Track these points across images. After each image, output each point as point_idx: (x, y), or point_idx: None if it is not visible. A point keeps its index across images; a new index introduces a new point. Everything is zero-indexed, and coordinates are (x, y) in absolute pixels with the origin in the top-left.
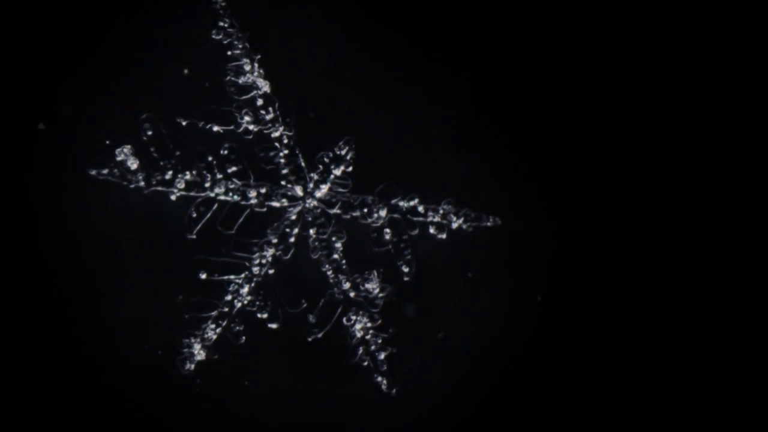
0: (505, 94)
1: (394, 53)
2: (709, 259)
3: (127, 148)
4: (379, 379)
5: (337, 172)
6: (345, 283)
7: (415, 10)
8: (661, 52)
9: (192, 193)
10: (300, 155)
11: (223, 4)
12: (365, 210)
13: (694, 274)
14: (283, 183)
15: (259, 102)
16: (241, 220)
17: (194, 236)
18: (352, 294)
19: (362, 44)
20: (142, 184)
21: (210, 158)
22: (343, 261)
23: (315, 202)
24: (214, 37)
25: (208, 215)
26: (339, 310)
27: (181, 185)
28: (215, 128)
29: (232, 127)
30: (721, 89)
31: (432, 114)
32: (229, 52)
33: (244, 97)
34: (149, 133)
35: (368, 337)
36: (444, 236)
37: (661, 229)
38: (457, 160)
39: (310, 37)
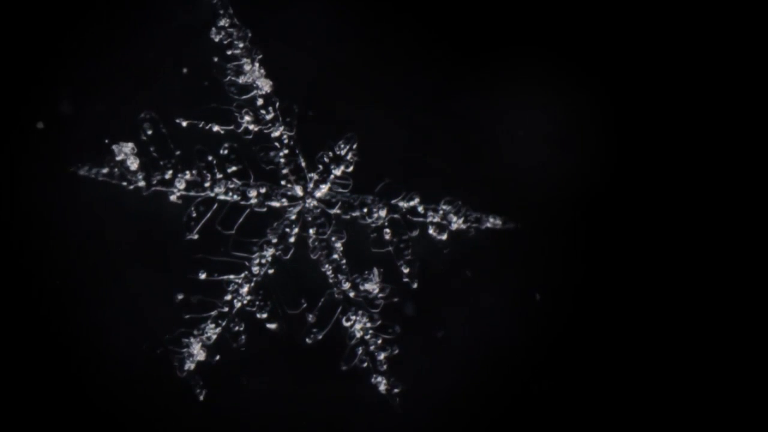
0: (506, 93)
1: (395, 52)
2: (709, 258)
3: (128, 147)
4: (379, 379)
5: (337, 172)
6: (345, 283)
7: (418, 8)
8: (662, 52)
9: (192, 193)
10: (300, 155)
11: None
12: (365, 210)
13: (693, 272)
14: (283, 183)
15: (259, 102)
16: (241, 220)
17: (195, 236)
18: (351, 294)
19: (363, 43)
20: (141, 184)
21: (210, 158)
22: (343, 261)
23: (315, 202)
24: (213, 37)
25: (208, 215)
26: (339, 310)
27: (181, 185)
28: (215, 128)
29: (232, 127)
30: (718, 89)
31: (433, 113)
32: (229, 52)
33: (244, 96)
34: (149, 132)
35: (368, 337)
36: (444, 237)
37: (661, 229)
38: (458, 160)
39: (309, 36)
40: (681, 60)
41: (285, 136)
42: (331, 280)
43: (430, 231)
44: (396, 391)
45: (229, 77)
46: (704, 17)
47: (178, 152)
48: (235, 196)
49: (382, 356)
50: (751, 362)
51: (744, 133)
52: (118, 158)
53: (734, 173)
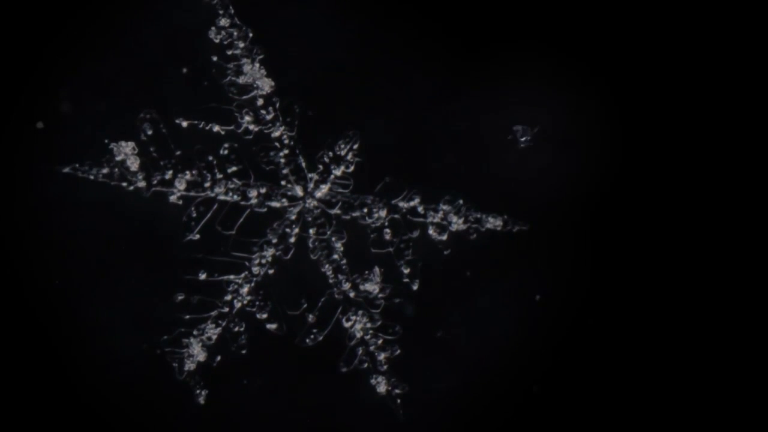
0: (507, 93)
1: (396, 51)
2: (713, 259)
3: (128, 147)
4: (379, 380)
5: (338, 172)
6: (345, 283)
7: (418, 8)
8: (666, 53)
9: (192, 193)
10: (300, 155)
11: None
12: (365, 210)
13: (697, 273)
14: (283, 183)
15: (260, 102)
16: (241, 220)
17: (197, 236)
18: (351, 294)
19: (363, 42)
20: (141, 185)
21: (210, 158)
22: (343, 261)
23: (315, 202)
24: (213, 37)
25: (208, 215)
26: (339, 310)
27: (182, 185)
28: (215, 128)
29: (232, 127)
30: (723, 88)
31: (434, 113)
32: (229, 52)
33: (245, 96)
34: (149, 132)
35: (368, 337)
36: (444, 237)
37: (665, 230)
38: (459, 160)
39: (309, 35)
40: (685, 60)
41: (285, 136)
42: (331, 281)
43: (430, 231)
44: (396, 391)
45: (229, 77)
46: (708, 16)
47: (178, 152)
48: (235, 196)
49: (382, 357)
50: (755, 365)
51: (748, 132)
52: (118, 158)
53: (737, 173)
